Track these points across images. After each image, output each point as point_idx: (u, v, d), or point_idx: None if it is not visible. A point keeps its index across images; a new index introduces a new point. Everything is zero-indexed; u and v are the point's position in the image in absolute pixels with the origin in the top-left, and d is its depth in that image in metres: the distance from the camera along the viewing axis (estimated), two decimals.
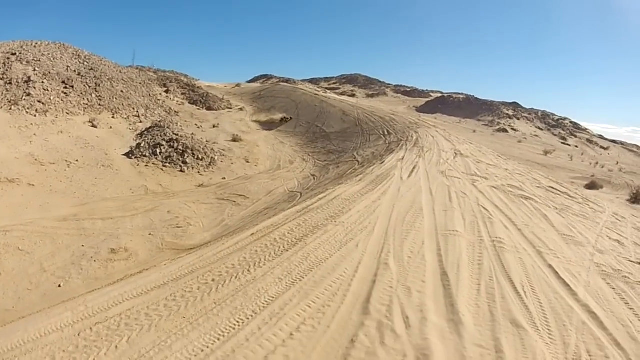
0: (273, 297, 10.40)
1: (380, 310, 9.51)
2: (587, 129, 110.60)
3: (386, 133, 47.12)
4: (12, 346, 10.10)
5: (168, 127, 43.84)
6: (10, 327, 12.79)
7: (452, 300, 9.99)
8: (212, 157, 39.78)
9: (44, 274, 19.66)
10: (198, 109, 63.70)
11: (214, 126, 54.18)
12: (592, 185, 43.14)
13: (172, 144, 39.74)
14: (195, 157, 38.89)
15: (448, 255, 12.72)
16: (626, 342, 9.14)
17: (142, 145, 39.77)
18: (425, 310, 9.54)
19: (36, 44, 59.39)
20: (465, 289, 10.61)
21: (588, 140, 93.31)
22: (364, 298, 10.13)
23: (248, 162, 42.45)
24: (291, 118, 59.94)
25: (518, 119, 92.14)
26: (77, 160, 34.84)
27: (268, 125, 58.56)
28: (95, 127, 43.82)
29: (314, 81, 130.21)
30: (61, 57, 56.75)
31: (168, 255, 20.80)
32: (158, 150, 38.85)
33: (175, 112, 58.08)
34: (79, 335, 9.98)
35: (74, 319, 10.90)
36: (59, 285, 18.78)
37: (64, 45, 62.02)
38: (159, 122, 46.95)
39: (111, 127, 45.31)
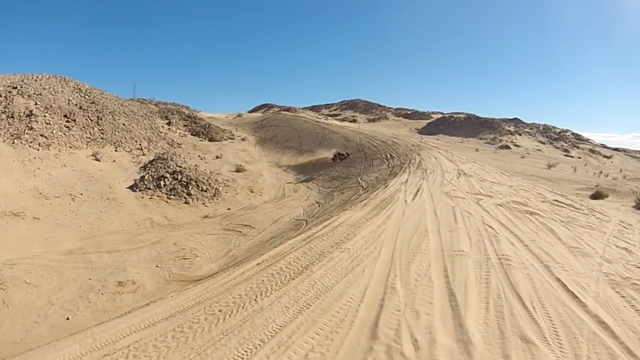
0: (281, 326, 10.39)
1: (388, 335, 9.49)
2: (589, 139, 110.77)
3: (389, 157, 47.29)
4: None
5: (171, 159, 44.15)
6: None
7: (460, 320, 9.95)
8: (216, 188, 39.88)
9: (52, 306, 19.66)
10: (200, 140, 63.99)
11: (217, 157, 54.41)
12: (597, 195, 43.08)
13: (175, 176, 39.93)
14: (200, 188, 39.04)
15: (455, 275, 12.70)
16: (638, 349, 9.09)
17: (145, 177, 39.96)
18: (434, 331, 9.51)
19: (37, 77, 59.71)
20: (473, 308, 10.59)
21: (590, 150, 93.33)
22: (372, 323, 10.10)
23: (252, 191, 42.64)
24: (348, 154, 53.02)
25: (520, 134, 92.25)
26: (81, 194, 34.94)
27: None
28: (99, 160, 43.97)
29: (314, 108, 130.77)
30: (62, 90, 57.07)
31: (175, 287, 20.77)
32: (162, 183, 39.01)
33: (177, 144, 58.29)
34: None
35: (82, 351, 10.91)
36: (67, 318, 18.77)
37: (64, 78, 62.35)
38: (162, 154, 47.39)
39: (114, 160, 45.43)
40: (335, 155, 49.55)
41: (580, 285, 12.34)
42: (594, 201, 33.41)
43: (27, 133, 43.98)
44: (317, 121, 76.89)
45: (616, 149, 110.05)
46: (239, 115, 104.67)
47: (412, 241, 16.22)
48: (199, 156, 54.08)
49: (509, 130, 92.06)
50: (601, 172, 64.60)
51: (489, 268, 13.39)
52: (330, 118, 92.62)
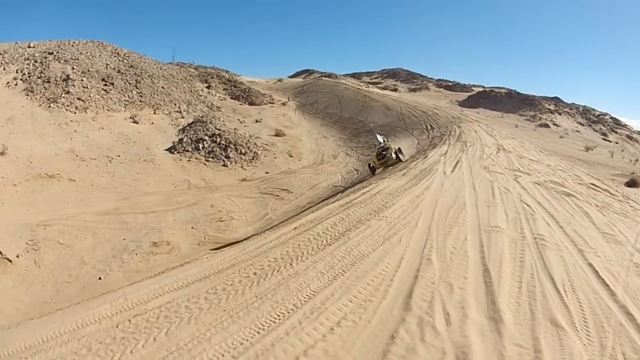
0: (314, 292, 10.35)
1: (421, 307, 9.38)
2: (627, 125, 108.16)
3: (429, 127, 46.78)
4: (47, 337, 10.16)
5: (210, 122, 44.24)
6: (47, 319, 12.91)
7: (493, 297, 9.82)
8: (255, 152, 40.04)
9: (84, 266, 20.01)
10: (240, 104, 63.74)
11: (256, 121, 54.22)
12: (632, 183, 42.15)
13: (214, 139, 40.12)
14: (238, 151, 39.22)
15: (490, 251, 12.52)
16: None
17: (184, 140, 40.30)
18: (467, 307, 9.39)
19: (73, 43, 60.05)
20: (506, 286, 10.44)
21: (628, 136, 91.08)
22: (406, 294, 10.01)
23: (291, 156, 42.58)
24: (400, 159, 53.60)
25: (560, 114, 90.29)
26: (118, 156, 35.35)
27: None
28: (137, 123, 44.37)
29: (355, 75, 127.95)
30: (100, 55, 57.31)
31: (210, 248, 21.07)
32: (201, 145, 39.28)
33: (217, 107, 58.26)
34: (117, 327, 10.05)
35: (113, 311, 10.99)
36: (99, 278, 19.17)
37: (102, 43, 62.58)
38: (201, 117, 47.42)
39: (153, 123, 45.87)
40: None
41: (612, 273, 12.09)
42: (628, 189, 32.61)
43: (63, 97, 44.39)
44: (358, 88, 75.61)
45: None
46: (280, 80, 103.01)
47: (449, 213, 16.12)
48: (238, 120, 54.16)
49: (549, 109, 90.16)
50: (637, 160, 63.39)
51: (524, 247, 13.20)
52: (371, 86, 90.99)
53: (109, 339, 9.51)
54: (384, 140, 32.83)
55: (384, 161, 31.28)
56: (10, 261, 20.07)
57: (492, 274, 11.02)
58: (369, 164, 32.51)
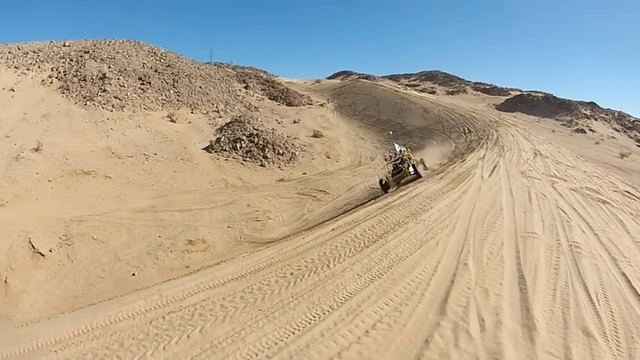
0: (351, 294, 10.36)
1: (456, 312, 9.35)
2: None
3: (467, 131, 46.64)
4: (79, 332, 10.28)
5: (248, 122, 44.44)
6: (79, 313, 13.11)
7: (527, 304, 9.72)
8: (292, 152, 40.14)
9: (118, 262, 20.19)
10: (278, 105, 64.00)
11: (294, 122, 54.40)
12: None
13: (252, 139, 40.32)
14: (276, 152, 39.34)
15: (526, 257, 12.41)
16: None
17: (222, 139, 40.57)
18: (501, 313, 9.33)
19: (109, 42, 60.97)
20: (541, 293, 10.31)
21: None
22: (442, 298, 9.98)
23: (329, 157, 42.66)
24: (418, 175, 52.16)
25: (595, 119, 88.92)
26: (155, 154, 35.71)
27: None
28: (174, 121, 44.86)
29: (393, 77, 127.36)
30: (136, 54, 57.99)
31: (246, 247, 21.10)
32: (238, 145, 39.53)
33: (255, 107, 58.66)
34: (150, 323, 10.15)
35: (147, 307, 11.12)
36: (133, 274, 19.31)
37: (138, 43, 63.36)
38: (239, 117, 47.64)
39: (190, 122, 46.29)
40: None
41: None
42: None
43: (100, 95, 45.03)
44: (396, 91, 75.25)
45: None
46: (318, 81, 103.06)
47: (486, 218, 16.04)
48: (276, 120, 54.38)
49: (585, 114, 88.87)
50: None
51: (560, 254, 13.04)
52: (409, 88, 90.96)
53: (141, 335, 9.61)
54: (401, 150, 30.24)
55: (399, 176, 28.02)
56: (43, 255, 20.35)
57: (528, 280, 10.93)
58: (381, 180, 28.28)
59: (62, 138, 35.16)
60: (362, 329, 8.87)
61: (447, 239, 13.87)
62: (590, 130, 77.35)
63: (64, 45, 58.57)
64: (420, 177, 27.13)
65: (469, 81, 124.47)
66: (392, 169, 28.68)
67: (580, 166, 32.04)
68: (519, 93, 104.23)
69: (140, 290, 14.54)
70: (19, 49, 56.27)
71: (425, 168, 30.04)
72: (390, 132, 50.37)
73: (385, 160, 31.57)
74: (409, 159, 29.06)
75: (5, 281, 18.73)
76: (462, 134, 45.90)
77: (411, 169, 27.72)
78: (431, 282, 10.77)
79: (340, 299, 10.10)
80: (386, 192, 26.61)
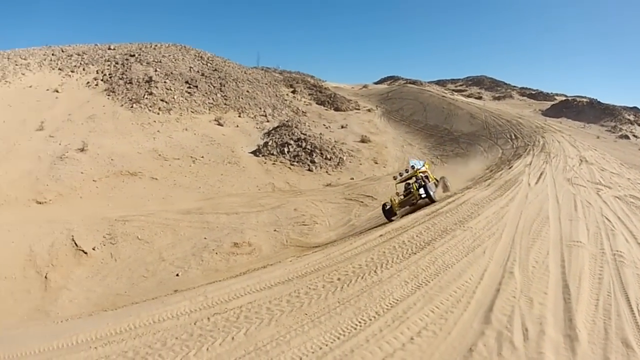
0: (397, 300, 10.28)
1: (501, 320, 9.23)
2: None
3: (513, 137, 46.31)
4: (121, 329, 10.34)
5: (296, 127, 44.68)
6: (122, 311, 13.16)
7: (570, 314, 9.54)
8: (340, 157, 40.12)
9: (162, 262, 20.46)
10: (326, 110, 64.12)
11: (342, 127, 54.33)
12: None
13: (300, 144, 40.47)
14: (324, 156, 39.41)
15: (571, 266, 12.23)
16: None
17: (269, 143, 40.82)
18: (544, 323, 9.16)
19: (155, 46, 62.00)
20: (584, 303, 10.14)
21: None
22: (487, 307, 9.86)
23: (376, 163, 42.55)
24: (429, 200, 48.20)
25: (639, 124, 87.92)
26: (202, 157, 36.17)
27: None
28: (221, 125, 45.33)
29: (440, 83, 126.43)
30: (183, 58, 58.77)
31: (292, 251, 21.13)
32: (286, 149, 39.70)
33: (302, 112, 58.84)
34: (194, 324, 10.17)
35: (192, 308, 11.17)
36: (177, 275, 19.54)
37: (184, 47, 64.23)
38: (287, 121, 47.91)
39: (237, 126, 46.76)
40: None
41: None
42: None
43: (146, 98, 45.86)
44: (443, 96, 74.91)
45: None
46: (365, 86, 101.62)
47: (533, 226, 15.83)
48: (323, 125, 54.35)
49: (628, 120, 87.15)
50: None
51: (603, 263, 12.81)
52: (455, 93, 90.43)
53: (185, 335, 9.63)
54: (413, 166, 25.53)
55: (406, 199, 23.80)
56: (86, 253, 20.75)
57: (572, 290, 10.77)
58: (384, 204, 23.95)
59: (108, 139, 35.85)
60: (407, 335, 8.79)
61: (494, 246, 13.74)
62: (634, 136, 75.90)
63: (109, 49, 59.80)
64: (434, 201, 22.41)
65: (514, 86, 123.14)
66: (404, 189, 24.84)
67: (624, 173, 31.70)
68: (564, 98, 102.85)
69: (185, 291, 14.62)
70: (62, 51, 57.61)
71: (447, 189, 25.25)
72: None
73: (394, 178, 26.77)
74: (426, 178, 25.13)
75: (46, 277, 19.16)
76: (509, 140, 45.64)
77: (422, 190, 22.99)
78: (477, 290, 10.67)
79: (387, 306, 10.02)
80: (389, 220, 22.41)
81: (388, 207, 23.23)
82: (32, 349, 10.06)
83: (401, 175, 25.68)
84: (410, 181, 24.84)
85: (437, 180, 25.91)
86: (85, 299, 17.80)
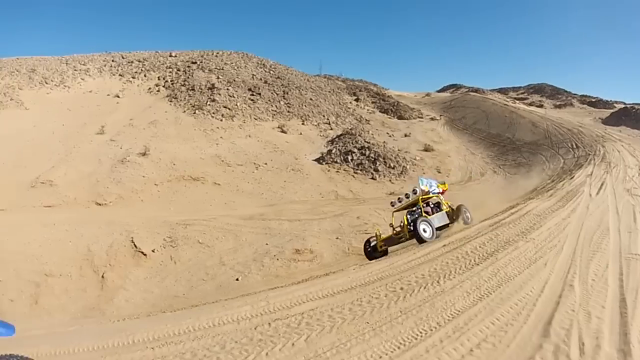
0: (459, 311, 10.17)
1: (559, 334, 9.01)
2: None
3: (574, 146, 45.80)
4: (179, 331, 10.49)
5: (359, 135, 44.61)
6: (181, 314, 13.51)
7: (626, 329, 9.34)
8: (403, 166, 40.00)
9: (222, 267, 20.79)
10: (389, 118, 63.93)
11: (405, 135, 54.04)
12: None
13: (363, 152, 40.39)
14: (387, 165, 39.26)
15: (629, 280, 11.95)
16: None
17: (333, 151, 40.93)
18: (600, 337, 8.95)
19: (217, 53, 63.01)
20: (639, 317, 9.89)
21: None
22: (546, 320, 9.63)
23: (439, 172, 42.22)
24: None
25: None
26: (265, 163, 36.54)
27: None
28: (285, 132, 45.74)
29: (502, 91, 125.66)
30: (245, 66, 59.57)
31: (354, 260, 21.18)
32: (349, 157, 39.71)
33: (366, 120, 58.69)
34: (255, 329, 10.20)
35: (253, 312, 11.24)
36: (237, 279, 19.82)
37: (246, 54, 65.10)
38: (350, 129, 47.98)
39: (301, 133, 47.03)
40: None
41: None
42: None
43: (209, 104, 46.65)
44: (505, 104, 74.65)
45: None
46: (428, 95, 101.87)
47: (593, 238, 15.63)
48: (387, 133, 54.13)
49: None
50: None
51: None
52: (517, 101, 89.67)
53: (245, 340, 9.64)
54: (415, 191, 20.83)
55: (395, 235, 19.92)
56: (145, 255, 21.16)
57: (629, 303, 10.55)
58: (367, 241, 20.43)
59: (170, 144, 36.53)
60: (467, 347, 8.64)
61: (555, 259, 13.53)
62: None
63: (170, 56, 61.06)
64: (423, 241, 17.82)
65: (575, 94, 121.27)
66: (407, 220, 19.82)
67: None
68: (623, 106, 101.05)
69: (246, 296, 14.82)
70: (123, 57, 59.33)
71: (465, 222, 20.11)
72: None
73: (392, 205, 22.44)
74: (437, 205, 21.38)
75: (103, 276, 19.66)
76: (570, 149, 45.17)
77: (422, 226, 18.42)
78: (537, 303, 10.48)
79: (448, 316, 9.92)
80: (370, 260, 19.11)
81: (373, 243, 20.00)
82: (86, 346, 10.24)
83: (400, 202, 21.74)
84: (414, 208, 21.08)
85: (451, 210, 21.06)
86: (142, 300, 18.17)
